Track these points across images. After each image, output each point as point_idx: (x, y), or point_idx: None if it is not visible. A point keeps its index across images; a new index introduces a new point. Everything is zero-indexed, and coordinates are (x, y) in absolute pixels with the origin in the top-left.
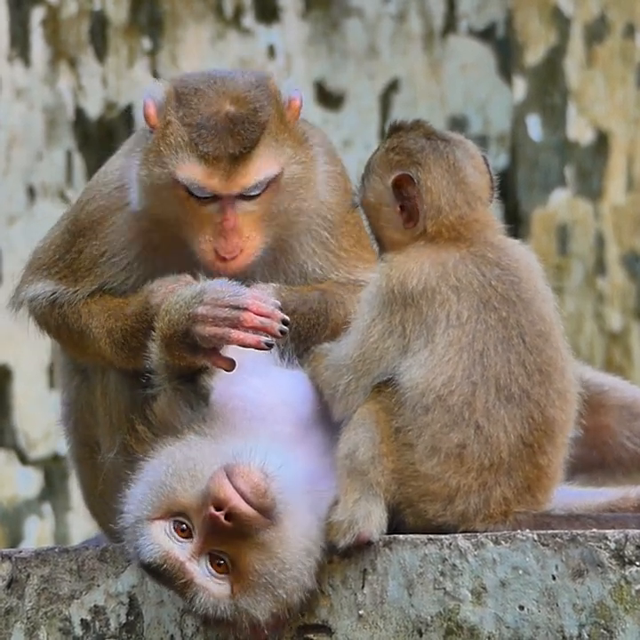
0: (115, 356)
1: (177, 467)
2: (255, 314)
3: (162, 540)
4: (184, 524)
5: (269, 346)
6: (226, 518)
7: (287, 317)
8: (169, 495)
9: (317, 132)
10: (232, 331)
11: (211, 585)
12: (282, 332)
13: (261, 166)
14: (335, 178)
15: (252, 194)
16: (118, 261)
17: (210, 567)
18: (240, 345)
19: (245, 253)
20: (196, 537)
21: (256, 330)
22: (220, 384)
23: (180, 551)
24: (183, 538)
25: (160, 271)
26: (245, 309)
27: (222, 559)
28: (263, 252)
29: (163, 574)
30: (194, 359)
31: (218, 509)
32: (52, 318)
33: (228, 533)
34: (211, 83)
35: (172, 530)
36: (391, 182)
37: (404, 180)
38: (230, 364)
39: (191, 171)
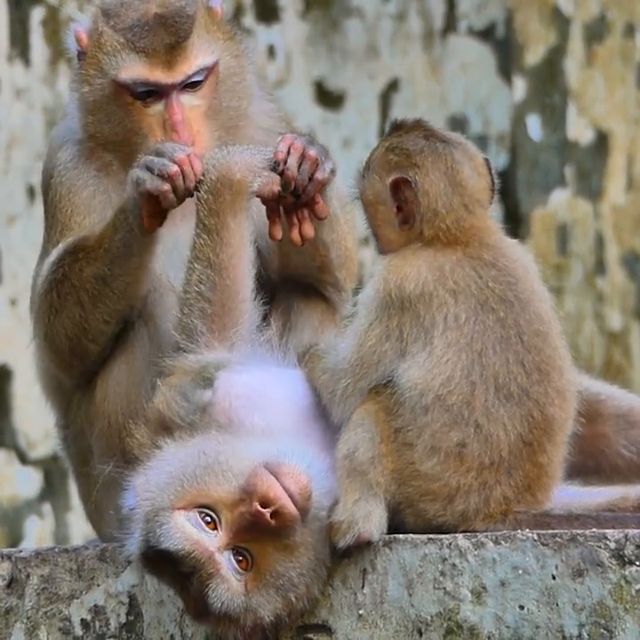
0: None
1: (208, 460)
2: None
3: (189, 529)
4: (209, 516)
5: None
6: (270, 516)
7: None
8: (199, 487)
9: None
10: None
11: (231, 579)
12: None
13: (198, 53)
14: (273, 117)
15: (195, 81)
16: (76, 182)
17: (233, 561)
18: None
19: (198, 147)
20: (222, 530)
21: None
22: (223, 375)
23: (209, 541)
24: (209, 529)
25: (114, 192)
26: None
27: (244, 555)
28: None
29: (185, 563)
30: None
31: (263, 507)
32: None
33: (260, 531)
34: None
35: (199, 520)
36: (389, 183)
37: (402, 183)
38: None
39: (132, 68)
